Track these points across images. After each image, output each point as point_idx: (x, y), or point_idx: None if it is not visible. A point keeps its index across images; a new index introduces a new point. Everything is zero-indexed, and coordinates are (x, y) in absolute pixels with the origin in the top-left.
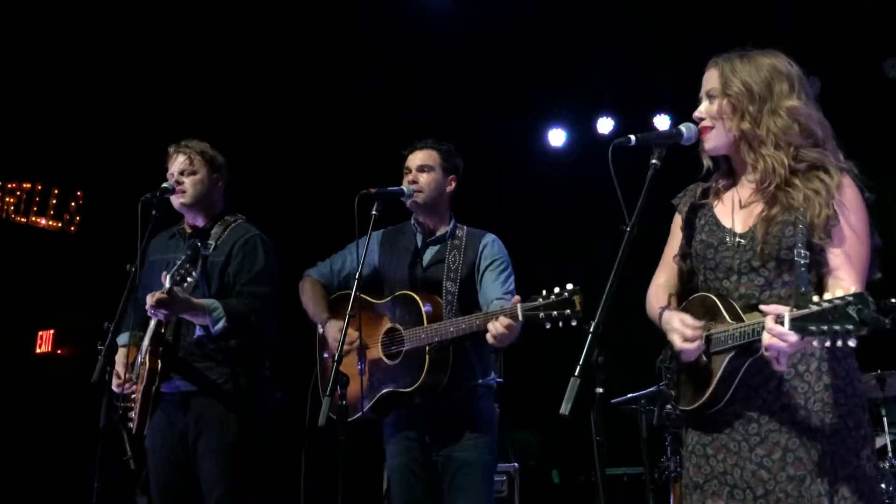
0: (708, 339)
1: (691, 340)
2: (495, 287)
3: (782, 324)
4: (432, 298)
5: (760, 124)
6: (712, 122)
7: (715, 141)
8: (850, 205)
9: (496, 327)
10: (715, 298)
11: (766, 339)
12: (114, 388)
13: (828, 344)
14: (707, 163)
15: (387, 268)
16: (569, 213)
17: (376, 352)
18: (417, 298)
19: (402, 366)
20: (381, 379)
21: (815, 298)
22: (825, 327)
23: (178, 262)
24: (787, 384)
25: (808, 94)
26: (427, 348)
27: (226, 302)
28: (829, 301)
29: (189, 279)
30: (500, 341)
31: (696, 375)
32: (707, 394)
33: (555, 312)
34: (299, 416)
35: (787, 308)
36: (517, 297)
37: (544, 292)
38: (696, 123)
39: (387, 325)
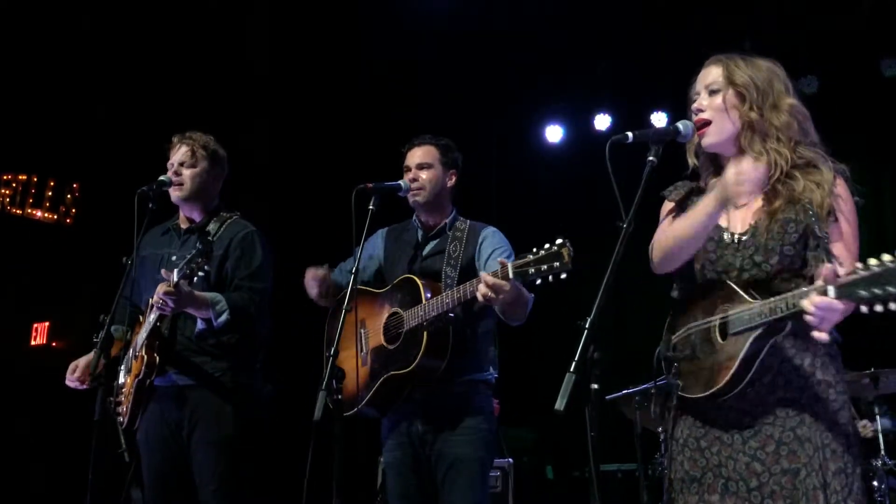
0: (724, 322)
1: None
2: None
3: (826, 293)
4: (433, 283)
5: (764, 117)
6: (712, 115)
7: (716, 135)
8: (845, 204)
9: (486, 282)
10: (729, 281)
11: (809, 307)
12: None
13: (879, 308)
14: (692, 161)
15: (390, 263)
16: (566, 209)
17: (378, 339)
18: (418, 280)
19: (401, 348)
20: (383, 364)
21: (860, 264)
22: (878, 290)
23: (188, 257)
24: (781, 378)
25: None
26: (425, 324)
27: (228, 295)
28: (879, 264)
29: (200, 273)
30: (490, 300)
31: (708, 361)
32: (726, 377)
33: (544, 266)
34: (296, 412)
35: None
36: (502, 259)
37: (534, 249)
38: (692, 119)
39: (388, 311)
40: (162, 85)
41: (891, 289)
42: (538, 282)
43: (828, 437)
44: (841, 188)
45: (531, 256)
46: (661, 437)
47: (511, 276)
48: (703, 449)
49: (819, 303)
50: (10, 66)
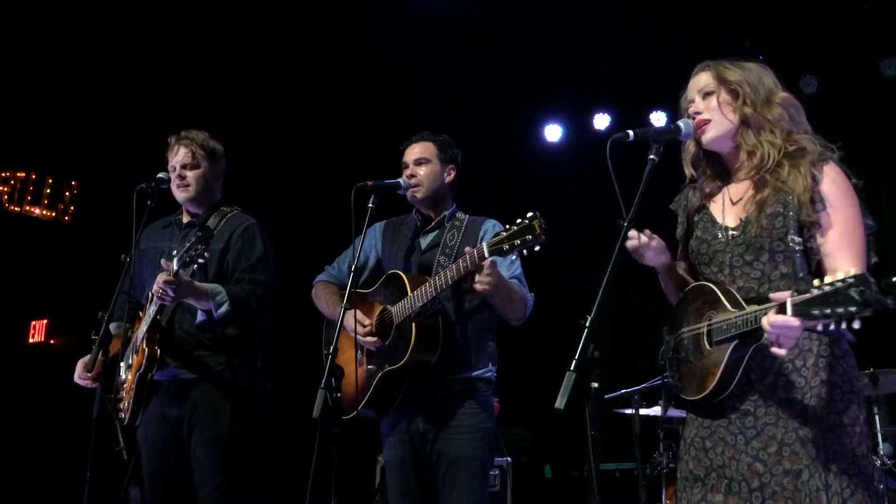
0: (709, 329)
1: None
2: (502, 269)
3: (784, 310)
4: (418, 277)
5: (758, 111)
6: (710, 115)
7: (716, 131)
8: (837, 188)
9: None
10: (713, 286)
11: (766, 325)
12: (77, 380)
13: (832, 327)
14: (689, 171)
15: (388, 258)
16: (565, 208)
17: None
18: (402, 274)
19: (392, 344)
20: (378, 363)
21: (816, 282)
22: (828, 310)
23: (188, 245)
24: (783, 379)
25: None
26: (412, 316)
27: (228, 287)
28: (831, 284)
29: (200, 260)
30: (467, 281)
31: (699, 365)
32: (712, 384)
33: (517, 241)
34: (296, 410)
35: (789, 293)
36: (479, 246)
37: (507, 225)
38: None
39: (378, 309)
40: (161, 83)
41: (840, 310)
42: (514, 256)
43: (830, 438)
44: (831, 172)
45: (504, 233)
46: (660, 435)
47: (487, 254)
48: (708, 449)
49: (774, 321)
50: (8, 64)
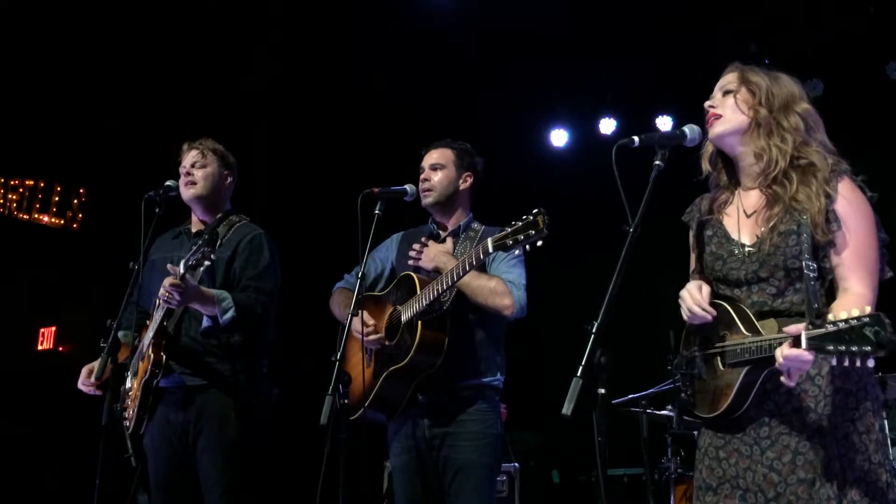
0: (723, 351)
1: None
2: (500, 267)
3: (799, 343)
4: (429, 277)
5: (773, 115)
6: (723, 110)
7: (723, 126)
8: (851, 206)
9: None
10: (727, 306)
11: (779, 357)
12: (81, 386)
13: (846, 363)
14: (706, 167)
15: (401, 267)
16: (571, 213)
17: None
18: (413, 275)
19: (398, 343)
20: (384, 363)
21: (831, 316)
22: (842, 347)
23: (195, 248)
24: (798, 388)
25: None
26: (419, 314)
27: (235, 294)
28: (846, 321)
29: (207, 262)
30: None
31: (712, 384)
32: (725, 404)
33: (521, 236)
34: (302, 417)
35: (804, 326)
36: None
37: (512, 221)
38: (703, 116)
39: (389, 310)
40: (168, 91)
41: (854, 348)
42: (517, 251)
43: (844, 446)
44: (845, 190)
45: (509, 229)
46: (669, 440)
47: (491, 249)
48: (721, 459)
49: (788, 355)
50: (17, 72)
